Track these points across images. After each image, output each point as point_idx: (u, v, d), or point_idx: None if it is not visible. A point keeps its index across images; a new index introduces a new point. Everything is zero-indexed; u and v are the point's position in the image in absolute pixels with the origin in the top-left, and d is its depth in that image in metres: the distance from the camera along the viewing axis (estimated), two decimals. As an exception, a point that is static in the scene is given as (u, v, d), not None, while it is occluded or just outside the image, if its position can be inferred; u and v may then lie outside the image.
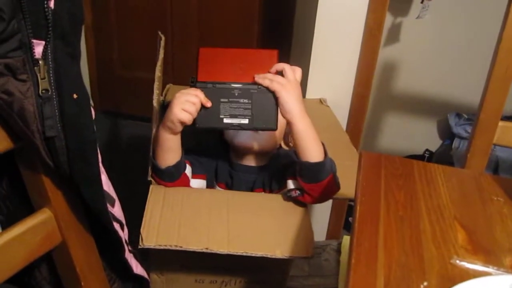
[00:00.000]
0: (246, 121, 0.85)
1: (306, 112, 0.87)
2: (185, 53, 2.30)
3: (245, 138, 1.00)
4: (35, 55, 0.54)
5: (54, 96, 0.56)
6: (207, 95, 0.84)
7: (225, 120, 0.85)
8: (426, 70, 2.05)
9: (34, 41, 0.53)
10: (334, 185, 0.90)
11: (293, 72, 0.86)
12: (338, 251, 1.56)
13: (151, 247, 0.78)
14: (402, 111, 2.18)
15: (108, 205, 0.67)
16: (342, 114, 1.47)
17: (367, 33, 1.38)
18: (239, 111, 0.85)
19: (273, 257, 0.82)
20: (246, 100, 0.84)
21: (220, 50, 0.90)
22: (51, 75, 0.55)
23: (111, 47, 2.42)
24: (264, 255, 0.81)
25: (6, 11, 0.48)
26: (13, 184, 0.72)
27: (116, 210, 0.70)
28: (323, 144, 0.89)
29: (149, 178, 0.92)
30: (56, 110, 0.57)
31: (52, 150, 0.58)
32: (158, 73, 1.01)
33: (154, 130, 0.92)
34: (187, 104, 0.82)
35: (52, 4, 0.53)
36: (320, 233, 1.77)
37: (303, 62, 1.52)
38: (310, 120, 0.87)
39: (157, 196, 0.89)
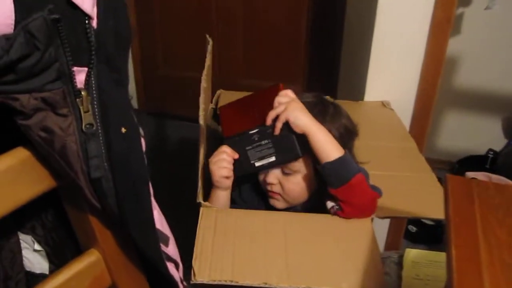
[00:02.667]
0: (273, 158, 0.91)
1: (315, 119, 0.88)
2: (231, 51, 2.23)
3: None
4: (76, 85, 0.46)
5: (100, 131, 0.48)
6: (234, 148, 0.93)
7: (257, 164, 0.92)
8: (490, 63, 1.91)
9: (75, 68, 0.45)
10: (367, 188, 0.87)
11: (285, 96, 0.89)
12: (399, 264, 1.46)
13: (204, 282, 0.73)
14: (463, 107, 2.05)
15: (162, 245, 0.59)
16: (404, 117, 1.35)
17: (435, 27, 1.24)
18: (264, 153, 0.91)
19: (339, 292, 0.75)
20: (266, 141, 0.91)
21: (236, 103, 0.99)
22: (95, 106, 0.47)
23: (155, 46, 2.39)
24: None
25: (41, 39, 0.39)
26: (59, 215, 0.66)
27: (171, 249, 0.62)
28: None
29: (199, 200, 0.86)
30: (103, 147, 0.49)
31: (99, 191, 0.50)
32: (203, 83, 0.95)
33: (201, 150, 0.89)
34: (220, 162, 0.92)
35: (94, 24, 0.45)
36: (377, 242, 1.65)
37: (361, 61, 1.40)
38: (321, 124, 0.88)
39: (208, 221, 0.84)
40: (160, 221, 0.59)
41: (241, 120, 0.95)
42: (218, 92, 1.28)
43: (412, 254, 1.47)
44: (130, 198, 0.51)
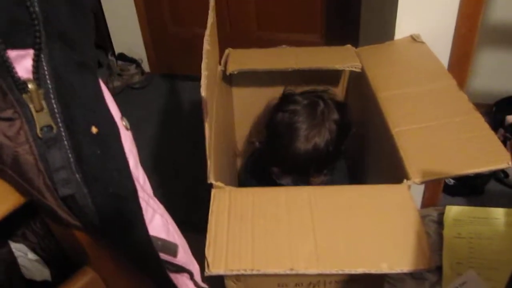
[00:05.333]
0: None
1: None
2: (242, 2, 2.07)
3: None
4: (18, 77, 0.33)
5: (63, 134, 0.35)
6: None
7: None
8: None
9: (12, 53, 0.32)
10: None
11: None
12: (439, 222, 1.35)
13: (221, 273, 0.64)
14: (499, 44, 1.86)
15: (169, 257, 0.48)
16: (442, 53, 1.18)
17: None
18: None
19: (378, 272, 0.65)
20: None
21: None
22: (53, 102, 0.34)
23: (160, 4, 2.23)
24: (367, 272, 0.65)
25: None
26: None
27: (181, 258, 0.50)
28: None
29: (210, 181, 0.76)
30: (70, 155, 0.36)
31: (75, 211, 0.38)
32: (206, 45, 0.82)
33: (206, 125, 0.78)
34: None
35: (35, -13, 0.31)
36: (414, 198, 1.53)
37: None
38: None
39: (222, 204, 0.74)
40: (164, 228, 0.47)
41: None
42: (226, 51, 1.14)
43: (453, 211, 1.35)
44: (115, 216, 0.39)
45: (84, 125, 0.36)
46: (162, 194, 1.67)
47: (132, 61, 2.31)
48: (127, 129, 0.42)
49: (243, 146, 1.35)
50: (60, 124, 0.35)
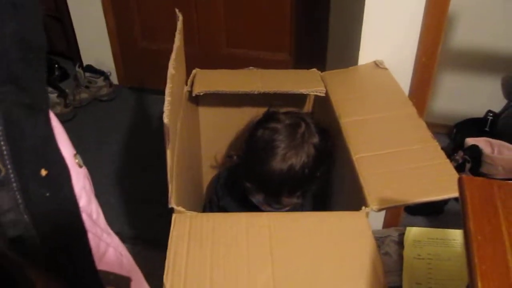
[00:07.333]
0: None
1: None
2: (211, 19, 2.08)
3: None
4: None
5: (12, 177, 0.35)
6: None
7: None
8: (490, 21, 1.76)
9: None
10: None
11: None
12: (400, 243, 1.38)
13: None
14: (460, 67, 1.92)
15: (122, 291, 0.48)
16: (402, 84, 1.22)
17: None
18: None
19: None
20: None
21: None
22: (1, 143, 0.34)
23: (131, 18, 2.23)
24: None
25: None
26: None
27: (134, 291, 0.51)
28: None
29: (171, 206, 0.77)
30: (19, 197, 0.36)
31: (24, 250, 0.38)
32: (171, 69, 0.83)
33: (168, 152, 0.80)
34: None
35: (-16, 30, 0.31)
36: (376, 218, 1.56)
37: (352, 24, 1.27)
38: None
39: (182, 229, 0.75)
40: (116, 262, 0.47)
41: None
42: (193, 71, 1.15)
43: (413, 232, 1.39)
44: (63, 255, 0.39)
45: (34, 167, 0.36)
46: (125, 208, 1.65)
47: (100, 73, 2.28)
48: (80, 166, 0.42)
49: (211, 163, 1.35)
50: (9, 167, 0.35)
